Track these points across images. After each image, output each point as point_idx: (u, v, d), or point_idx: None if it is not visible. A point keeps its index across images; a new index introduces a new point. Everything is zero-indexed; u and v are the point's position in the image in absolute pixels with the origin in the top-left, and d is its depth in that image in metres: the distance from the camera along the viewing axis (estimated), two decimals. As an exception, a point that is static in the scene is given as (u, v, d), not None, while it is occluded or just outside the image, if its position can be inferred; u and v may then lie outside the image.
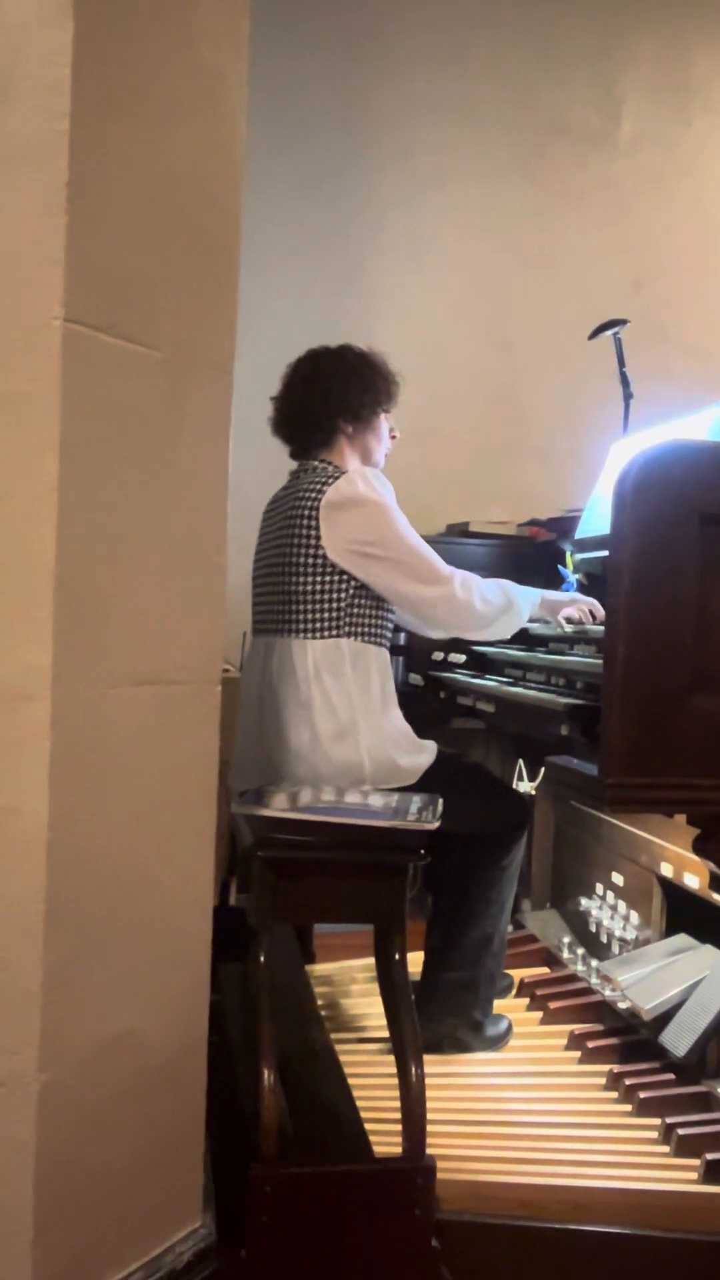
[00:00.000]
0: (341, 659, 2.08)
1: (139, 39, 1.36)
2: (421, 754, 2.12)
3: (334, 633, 2.09)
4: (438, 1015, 2.15)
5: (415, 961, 2.06)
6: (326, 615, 2.09)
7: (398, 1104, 1.65)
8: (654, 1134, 1.90)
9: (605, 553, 1.66)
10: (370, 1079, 2.01)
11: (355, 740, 2.05)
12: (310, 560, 2.09)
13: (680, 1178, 1.78)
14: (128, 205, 1.35)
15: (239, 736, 2.19)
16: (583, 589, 2.60)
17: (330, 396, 2.22)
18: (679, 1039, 2.06)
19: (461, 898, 2.20)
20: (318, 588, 2.09)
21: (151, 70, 1.38)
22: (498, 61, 3.50)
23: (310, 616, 2.09)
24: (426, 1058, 1.68)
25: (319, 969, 2.61)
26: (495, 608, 2.17)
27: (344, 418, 2.23)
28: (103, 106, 1.31)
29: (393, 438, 2.34)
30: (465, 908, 2.19)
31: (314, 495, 2.11)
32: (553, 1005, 2.37)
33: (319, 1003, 2.35)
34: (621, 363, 2.86)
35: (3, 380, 1.27)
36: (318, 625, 2.09)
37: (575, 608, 2.30)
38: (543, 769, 2.74)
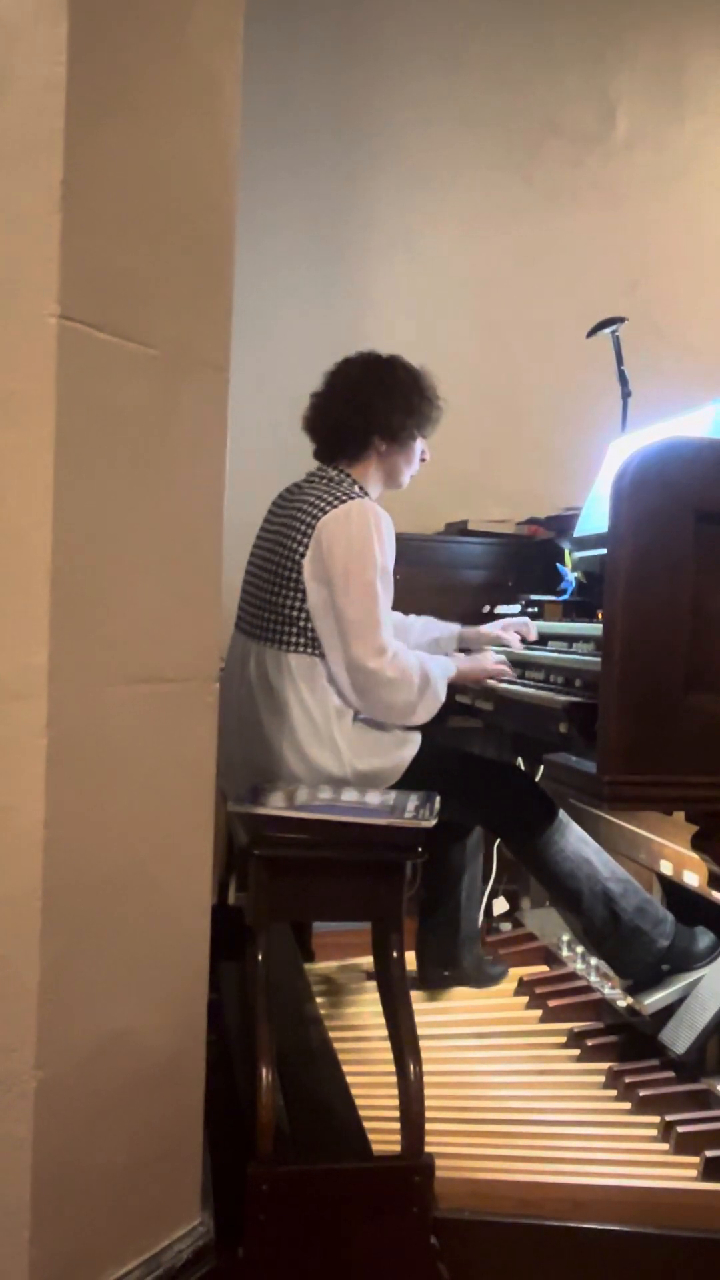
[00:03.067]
0: (318, 674, 2.07)
1: (134, 38, 1.36)
2: (404, 748, 2.10)
3: (311, 650, 2.07)
4: (634, 968, 2.11)
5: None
6: (307, 633, 2.07)
7: (396, 1102, 1.65)
8: (653, 1131, 1.90)
9: (603, 551, 1.66)
10: (368, 1077, 2.01)
11: (334, 745, 2.05)
12: (296, 575, 2.07)
13: (679, 1175, 1.79)
14: (122, 203, 1.35)
15: (221, 737, 2.18)
16: (581, 587, 2.60)
17: (372, 411, 2.16)
18: (678, 1036, 2.06)
19: (551, 881, 2.17)
20: (299, 603, 2.07)
21: (146, 69, 1.38)
22: (493, 61, 3.50)
23: (290, 630, 2.08)
24: (424, 1051, 1.68)
25: (317, 967, 2.61)
26: (417, 692, 2.05)
27: (381, 435, 2.18)
28: (97, 105, 1.31)
29: (423, 460, 2.30)
30: (558, 884, 2.15)
31: (319, 509, 2.08)
32: (552, 1003, 2.37)
33: (317, 1001, 2.35)
34: (619, 361, 2.86)
35: (-2, 378, 1.27)
36: (297, 641, 2.07)
37: (485, 674, 2.22)
38: (541, 767, 2.73)
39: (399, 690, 2.04)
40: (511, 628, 2.42)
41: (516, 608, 2.73)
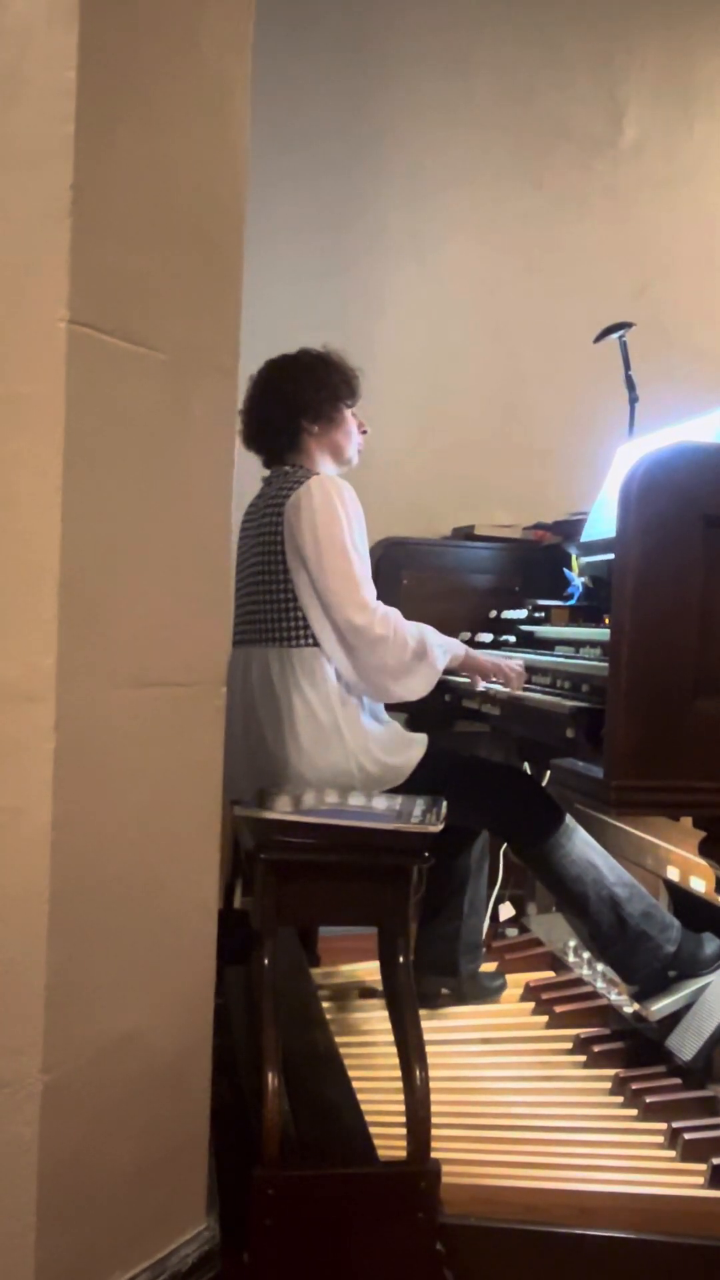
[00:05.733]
0: (319, 666, 2.07)
1: (144, 43, 1.36)
2: (410, 748, 2.10)
3: (309, 642, 2.07)
4: (640, 974, 2.10)
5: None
6: (301, 624, 2.07)
7: (402, 1107, 1.65)
8: (660, 1138, 1.89)
9: (611, 556, 1.66)
10: (374, 1082, 2.00)
11: (340, 746, 2.05)
12: (281, 568, 2.08)
13: (686, 1183, 1.78)
14: (132, 208, 1.36)
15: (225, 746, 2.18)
16: (588, 592, 2.60)
17: (288, 398, 2.21)
18: (685, 1043, 2.06)
19: (557, 885, 2.16)
20: (290, 593, 2.08)
21: (156, 74, 1.39)
22: (501, 67, 3.50)
23: (285, 624, 2.08)
24: (430, 1056, 1.67)
25: (322, 972, 2.61)
26: (411, 654, 2.03)
27: (305, 417, 2.22)
28: (108, 110, 1.31)
29: (363, 432, 2.32)
30: (565, 889, 2.14)
31: (283, 497, 2.11)
32: (558, 1009, 2.37)
33: (323, 1006, 2.35)
34: (627, 365, 2.86)
35: (7, 382, 1.27)
36: (293, 633, 2.08)
37: (499, 671, 2.19)
38: (548, 772, 2.73)
39: (390, 649, 2.02)
40: (507, 670, 2.22)
41: (523, 612, 2.73)
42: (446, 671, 2.16)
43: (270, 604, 2.11)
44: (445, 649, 2.13)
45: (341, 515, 2.06)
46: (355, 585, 2.03)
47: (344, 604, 2.03)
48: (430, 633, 2.10)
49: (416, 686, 2.08)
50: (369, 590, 2.06)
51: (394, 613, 2.06)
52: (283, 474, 2.20)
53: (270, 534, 2.11)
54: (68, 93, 1.26)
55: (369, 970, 2.56)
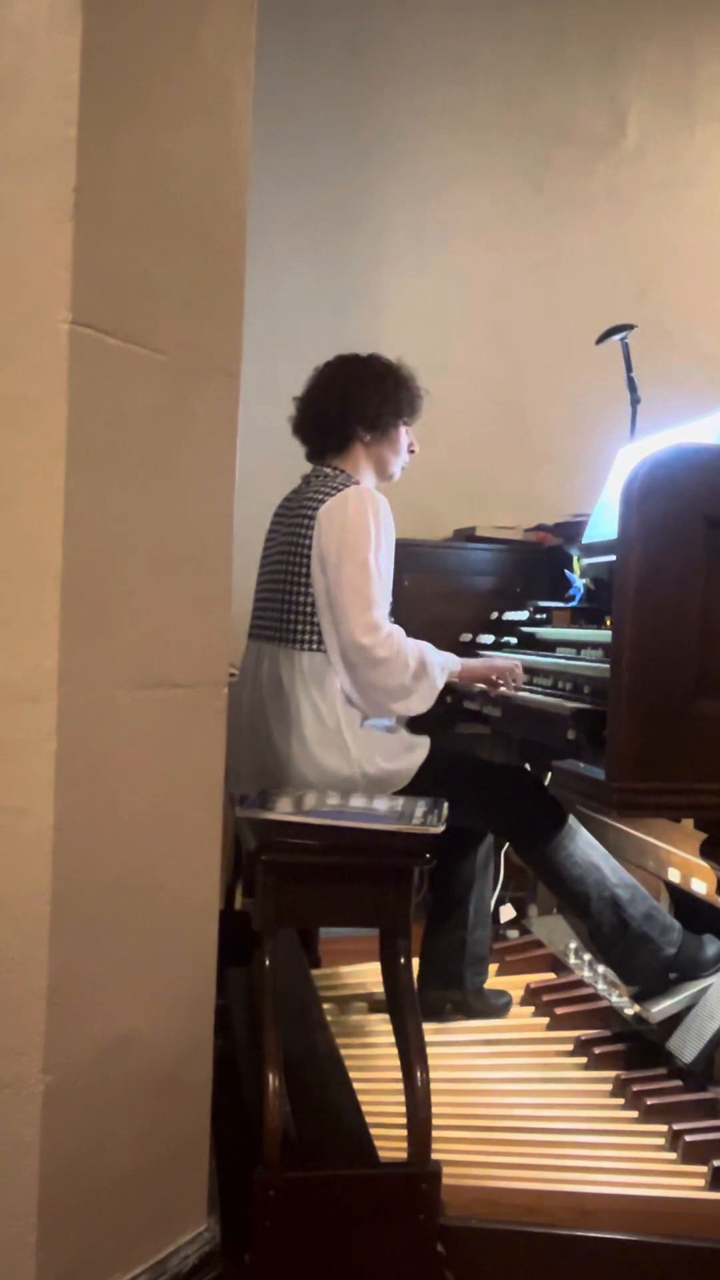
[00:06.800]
0: (329, 675, 2.07)
1: (146, 45, 1.37)
2: (414, 752, 2.10)
3: (320, 647, 2.07)
4: (640, 975, 2.10)
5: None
6: (317, 629, 2.08)
7: (403, 1108, 1.65)
8: (660, 1140, 1.89)
9: (612, 557, 1.66)
10: (375, 1083, 2.00)
11: (344, 749, 2.05)
12: (304, 570, 2.09)
13: (687, 1184, 1.78)
14: (134, 210, 1.36)
15: (231, 741, 2.18)
16: (589, 593, 2.60)
17: (349, 402, 2.20)
18: (686, 1045, 2.06)
19: (559, 886, 2.16)
20: (309, 597, 2.08)
21: (158, 76, 1.39)
22: (503, 69, 3.51)
23: (301, 628, 2.09)
24: (431, 1057, 1.67)
25: (323, 973, 2.61)
26: (411, 675, 2.04)
27: (362, 425, 2.22)
28: (110, 111, 1.31)
29: (411, 451, 2.32)
30: (567, 889, 2.14)
31: (318, 501, 2.12)
32: (559, 1011, 2.37)
33: (324, 1007, 2.35)
34: (629, 367, 2.87)
35: (9, 383, 1.28)
36: (306, 638, 2.08)
37: (494, 672, 2.21)
38: (549, 773, 2.73)
39: (391, 672, 2.03)
40: (502, 673, 2.26)
41: (524, 614, 2.73)
42: (448, 682, 2.17)
43: (288, 605, 2.11)
44: (443, 666, 2.13)
45: (371, 531, 2.05)
46: (367, 604, 2.03)
47: (352, 621, 2.02)
48: (429, 650, 2.10)
49: (415, 705, 2.09)
50: (381, 610, 2.05)
51: (398, 633, 2.06)
52: (323, 475, 2.20)
53: (299, 533, 2.11)
54: (70, 94, 1.26)
55: (370, 971, 2.56)
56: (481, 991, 2.41)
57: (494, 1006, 2.42)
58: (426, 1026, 1.72)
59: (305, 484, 2.24)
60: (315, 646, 2.08)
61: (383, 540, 2.08)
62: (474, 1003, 2.39)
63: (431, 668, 2.07)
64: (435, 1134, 1.64)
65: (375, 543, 2.06)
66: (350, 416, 2.21)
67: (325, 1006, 2.35)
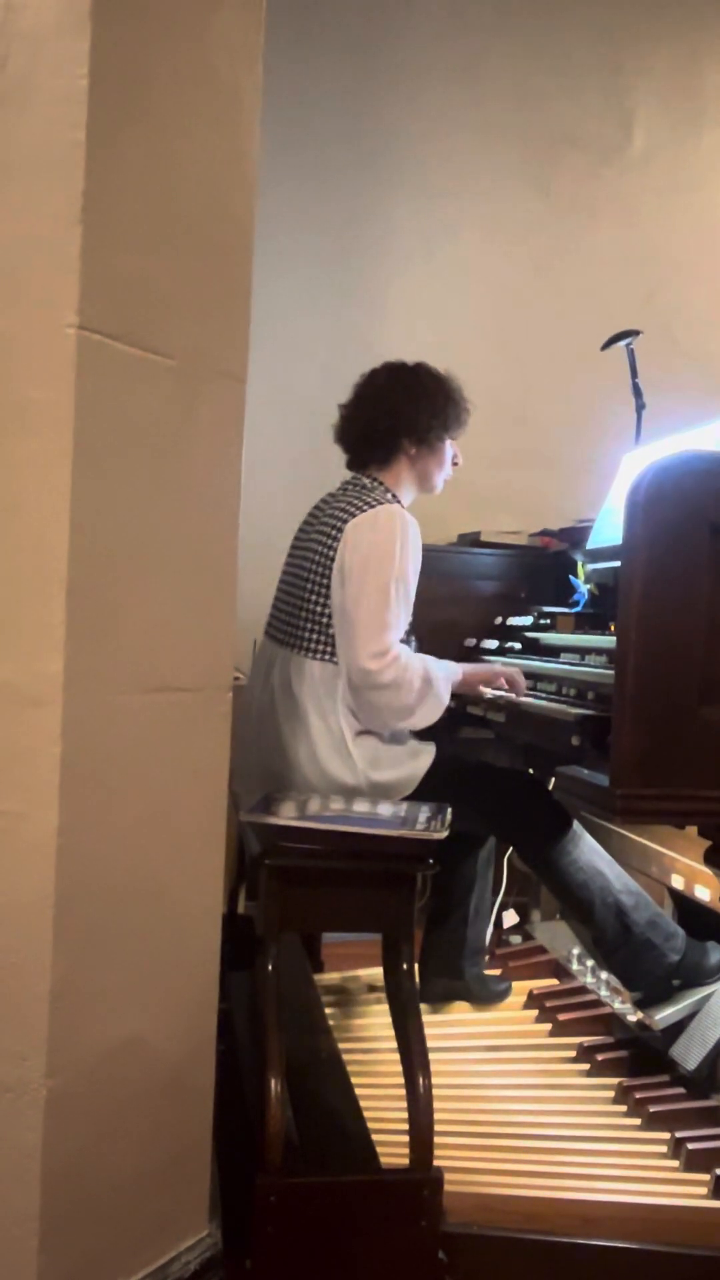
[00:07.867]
0: (340, 683, 2.06)
1: (154, 50, 1.37)
2: (419, 758, 2.10)
3: (334, 658, 2.07)
4: (643, 982, 2.10)
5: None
6: (331, 640, 2.07)
7: (405, 1115, 1.64)
8: (663, 1148, 1.88)
9: (617, 563, 1.66)
10: (377, 1089, 2.00)
11: (349, 755, 2.05)
12: (325, 580, 2.08)
13: (689, 1193, 1.77)
14: (142, 215, 1.36)
15: (239, 742, 2.18)
16: (594, 599, 2.60)
17: (399, 414, 2.18)
18: (689, 1052, 2.05)
19: (563, 891, 2.15)
20: (326, 606, 2.08)
21: (166, 81, 1.39)
22: (510, 74, 3.51)
23: (315, 636, 2.08)
24: (433, 1063, 1.67)
25: (326, 978, 2.60)
26: (416, 695, 2.02)
27: (409, 438, 2.20)
28: (118, 117, 1.32)
29: (455, 464, 2.30)
30: (571, 895, 2.13)
31: (349, 513, 2.09)
32: (562, 1017, 2.36)
33: (326, 1012, 2.35)
34: (634, 373, 2.86)
35: (16, 387, 1.28)
36: (320, 647, 2.08)
37: (496, 677, 2.19)
38: (552, 779, 2.72)
39: (394, 695, 2.01)
40: (502, 677, 2.23)
41: (529, 619, 2.72)
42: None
43: (304, 612, 2.10)
44: (447, 678, 2.12)
45: (397, 555, 2.03)
46: (379, 628, 2.01)
47: (361, 645, 2.00)
48: (432, 664, 2.08)
49: (419, 721, 2.08)
50: (393, 635, 2.03)
51: (405, 654, 2.03)
52: (361, 486, 2.18)
53: (325, 542, 2.10)
54: (79, 100, 1.27)
55: (372, 976, 2.55)
56: (482, 977, 2.45)
57: (494, 992, 2.44)
58: (429, 1031, 1.72)
59: (343, 490, 2.21)
60: (327, 657, 2.07)
61: (409, 565, 2.06)
62: (475, 988, 2.42)
63: (437, 683, 2.06)
64: (437, 1140, 1.64)
65: (399, 567, 2.03)
66: (398, 429, 2.19)
67: (328, 1011, 2.36)
